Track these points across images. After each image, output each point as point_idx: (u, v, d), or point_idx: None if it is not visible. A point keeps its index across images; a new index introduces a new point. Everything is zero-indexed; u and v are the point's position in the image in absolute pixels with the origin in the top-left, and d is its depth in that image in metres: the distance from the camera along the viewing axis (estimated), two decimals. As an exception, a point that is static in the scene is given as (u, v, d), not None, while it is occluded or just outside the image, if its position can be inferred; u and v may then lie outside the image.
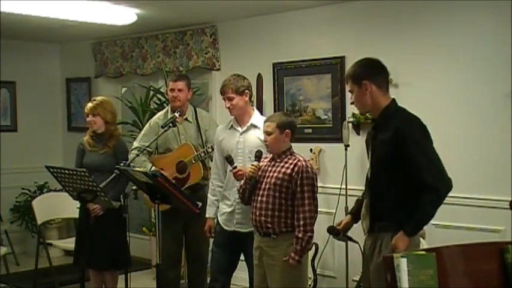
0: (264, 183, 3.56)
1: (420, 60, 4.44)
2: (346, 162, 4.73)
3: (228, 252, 3.92)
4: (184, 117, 4.45)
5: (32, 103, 7.16)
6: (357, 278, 4.34)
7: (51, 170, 3.97)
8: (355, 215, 3.20)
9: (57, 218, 6.22)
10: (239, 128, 3.89)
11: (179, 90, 4.43)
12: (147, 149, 4.43)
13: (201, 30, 5.81)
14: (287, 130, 3.54)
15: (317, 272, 4.82)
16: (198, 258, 4.51)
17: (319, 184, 3.68)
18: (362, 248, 3.15)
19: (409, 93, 4.10)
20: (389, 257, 2.32)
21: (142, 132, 4.65)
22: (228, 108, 3.86)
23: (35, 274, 5.35)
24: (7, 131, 6.97)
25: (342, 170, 4.75)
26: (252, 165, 3.59)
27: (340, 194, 4.80)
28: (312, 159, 4.94)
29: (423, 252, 2.35)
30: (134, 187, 4.46)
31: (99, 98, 4.58)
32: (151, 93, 6.16)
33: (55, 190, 6.29)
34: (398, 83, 4.22)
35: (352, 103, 3.13)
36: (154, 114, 4.95)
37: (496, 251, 2.47)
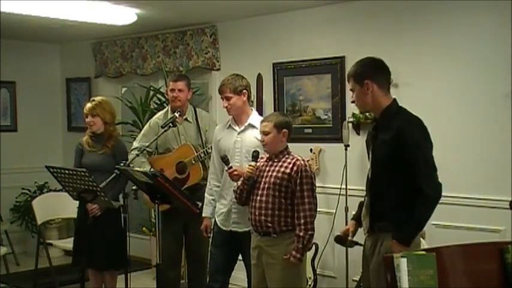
0: (262, 183, 3.56)
1: (420, 60, 4.44)
2: (346, 162, 4.73)
3: (226, 252, 3.92)
4: (184, 117, 4.45)
5: (32, 103, 7.16)
6: (357, 278, 4.34)
7: (51, 170, 3.97)
8: (358, 220, 3.20)
9: (57, 218, 6.22)
10: (237, 128, 3.89)
11: (179, 90, 4.43)
12: (147, 149, 4.43)
13: (201, 30, 5.81)
14: (284, 130, 3.55)
15: (317, 272, 4.82)
16: (198, 258, 4.51)
17: (319, 184, 3.69)
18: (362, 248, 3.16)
19: (409, 93, 4.10)
20: (389, 257, 2.32)
21: (142, 132, 4.65)
22: (226, 107, 3.86)
23: (35, 274, 5.36)
24: (7, 131, 6.97)
25: (342, 170, 4.75)
26: (250, 165, 3.59)
27: (340, 194, 4.80)
28: (312, 159, 4.94)
29: (423, 252, 2.35)
30: (134, 187, 4.45)
31: (98, 99, 4.58)
32: (151, 93, 6.16)
33: (55, 190, 6.29)
34: (399, 83, 4.22)
35: (353, 102, 3.13)
36: (154, 114, 4.94)
37: (496, 251, 2.47)
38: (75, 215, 4.59)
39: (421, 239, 3.17)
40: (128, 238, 3.99)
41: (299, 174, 3.47)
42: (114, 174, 3.87)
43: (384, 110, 3.01)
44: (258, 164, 3.62)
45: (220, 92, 3.87)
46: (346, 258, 4.67)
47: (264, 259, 3.58)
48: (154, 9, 5.23)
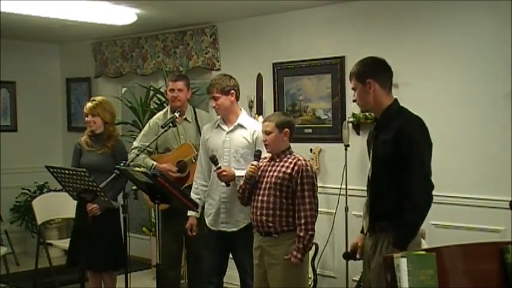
0: (264, 183, 3.56)
1: (420, 60, 4.44)
2: (346, 162, 4.73)
3: (218, 253, 3.94)
4: (184, 117, 4.45)
5: (32, 103, 7.16)
6: (357, 278, 4.34)
7: (51, 170, 3.97)
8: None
9: (57, 218, 6.22)
10: (225, 127, 3.91)
11: (179, 90, 4.43)
12: (147, 149, 4.43)
13: (201, 30, 5.81)
14: (286, 129, 3.56)
15: (317, 272, 4.82)
16: (198, 259, 4.50)
17: (319, 184, 3.68)
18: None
19: (409, 93, 4.10)
20: (389, 257, 2.32)
21: (142, 132, 4.66)
22: (214, 107, 3.87)
23: (35, 274, 5.36)
24: (7, 131, 6.97)
25: (342, 170, 4.75)
26: (252, 164, 3.60)
27: (340, 194, 4.80)
28: (312, 159, 4.94)
29: (423, 252, 2.35)
30: (134, 187, 4.46)
31: (98, 98, 4.58)
32: (151, 93, 6.16)
33: (55, 190, 6.29)
34: (399, 83, 4.20)
35: (354, 101, 3.13)
36: (154, 114, 4.95)
37: (496, 251, 2.47)
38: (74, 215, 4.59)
39: (421, 239, 3.17)
40: (128, 238, 3.99)
41: (300, 174, 3.48)
42: (114, 174, 3.87)
43: (385, 110, 3.01)
44: (261, 163, 3.62)
45: (208, 92, 3.91)
46: (343, 253, 4.66)
47: (265, 259, 3.58)
48: (154, 9, 5.23)
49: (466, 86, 4.25)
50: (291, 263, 3.44)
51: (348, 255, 3.29)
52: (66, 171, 3.93)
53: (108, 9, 5.10)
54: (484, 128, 4.17)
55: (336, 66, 4.93)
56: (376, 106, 3.03)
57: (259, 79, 5.41)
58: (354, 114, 4.74)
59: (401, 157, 2.86)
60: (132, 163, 4.20)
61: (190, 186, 4.34)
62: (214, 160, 3.77)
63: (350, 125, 4.77)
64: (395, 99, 3.04)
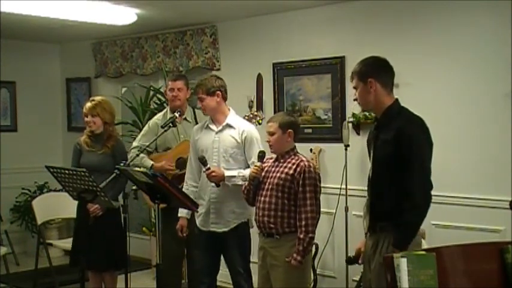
0: (267, 184, 3.57)
1: (420, 60, 4.44)
2: (346, 162, 4.73)
3: (209, 253, 3.95)
4: (184, 117, 4.46)
5: (32, 103, 7.16)
6: (357, 278, 4.34)
7: (51, 170, 3.96)
8: None
9: (57, 218, 6.22)
10: (214, 128, 3.92)
11: (178, 89, 4.44)
12: (147, 148, 4.43)
13: (201, 30, 5.81)
14: (290, 130, 3.55)
15: (317, 272, 4.83)
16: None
17: (320, 185, 3.67)
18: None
19: (409, 93, 4.09)
20: (389, 257, 2.32)
21: (142, 133, 4.66)
22: (200, 108, 3.89)
23: (35, 274, 5.36)
24: (7, 131, 6.97)
25: (342, 170, 4.75)
26: (255, 165, 3.60)
27: (340, 194, 4.80)
28: (312, 159, 4.93)
29: (423, 252, 2.35)
30: (134, 187, 4.45)
31: (97, 98, 4.57)
32: (151, 93, 6.16)
33: (55, 190, 6.29)
34: (399, 83, 4.18)
35: (355, 99, 3.13)
36: (155, 114, 4.96)
37: (496, 251, 2.47)
38: (75, 215, 4.59)
39: (421, 239, 3.17)
40: (128, 238, 4.00)
41: (302, 175, 3.47)
42: (114, 174, 3.87)
43: (386, 110, 3.01)
44: (265, 164, 3.62)
45: (194, 92, 3.94)
46: (346, 257, 4.67)
47: (268, 260, 3.59)
48: (154, 9, 5.23)
49: (466, 86, 4.25)
50: (292, 264, 3.44)
51: (351, 260, 3.28)
52: (66, 171, 3.93)
53: (108, 9, 5.10)
54: (484, 128, 4.17)
55: (336, 66, 4.93)
56: (377, 106, 3.03)
57: (259, 79, 5.41)
58: (354, 114, 4.74)
59: (402, 157, 2.86)
60: (131, 163, 4.20)
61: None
62: (203, 161, 3.78)
63: (350, 125, 4.77)
64: (396, 99, 3.04)
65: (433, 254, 2.32)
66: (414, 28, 4.50)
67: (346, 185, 4.73)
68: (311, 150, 5.01)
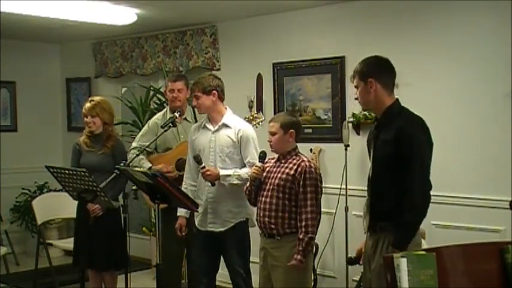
0: (268, 184, 3.57)
1: (420, 60, 4.44)
2: (346, 162, 4.73)
3: (207, 253, 3.95)
4: (184, 117, 4.45)
5: (32, 103, 7.16)
6: (357, 278, 4.34)
7: (51, 170, 3.96)
8: None
9: (57, 218, 6.22)
10: (211, 127, 3.92)
11: (178, 90, 4.44)
12: (147, 149, 4.43)
13: (201, 30, 5.81)
14: (291, 130, 3.55)
15: (317, 272, 4.82)
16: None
17: (321, 185, 3.67)
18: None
19: (409, 93, 4.09)
20: (389, 257, 2.32)
21: (141, 133, 4.65)
22: (195, 106, 3.92)
23: (35, 274, 5.35)
24: (7, 131, 6.97)
25: (342, 170, 4.75)
26: (256, 166, 3.60)
27: (340, 194, 4.80)
28: (312, 159, 4.93)
29: (423, 252, 2.35)
30: (134, 187, 4.46)
31: (96, 99, 4.56)
32: (151, 93, 6.16)
33: (55, 190, 6.29)
34: (399, 83, 4.16)
35: (356, 98, 3.13)
36: (154, 114, 4.95)
37: (496, 251, 2.47)
38: (75, 215, 4.59)
39: (421, 239, 3.17)
40: (128, 238, 3.99)
41: (302, 175, 3.47)
42: (114, 174, 3.86)
43: (386, 110, 3.01)
44: (266, 165, 3.62)
45: (191, 90, 3.94)
46: (346, 258, 4.67)
47: (269, 261, 3.59)
48: (154, 9, 5.23)
49: (466, 86, 4.25)
50: (292, 265, 3.44)
51: (352, 261, 3.28)
52: (66, 171, 3.93)
53: (108, 9, 5.10)
54: (484, 128, 4.17)
55: (336, 66, 4.93)
56: (377, 105, 3.04)
57: (259, 79, 5.41)
58: (354, 114, 4.74)
59: (402, 157, 2.86)
60: (130, 163, 4.20)
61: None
62: (198, 160, 3.79)
63: (350, 125, 4.77)
64: (397, 99, 3.04)
65: (433, 254, 2.32)
66: (414, 28, 4.50)
67: (346, 185, 4.73)
68: (311, 150, 5.01)
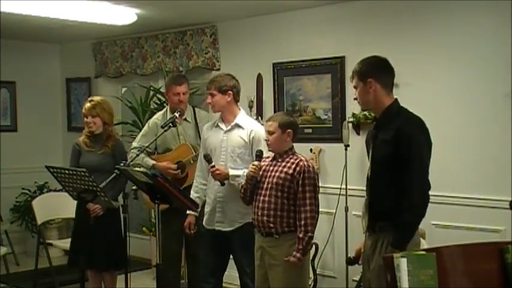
0: (265, 183, 3.56)
1: (420, 60, 4.44)
2: (346, 162, 4.73)
3: (213, 252, 3.94)
4: (184, 117, 4.45)
5: (32, 103, 7.16)
6: (357, 278, 4.34)
7: (51, 170, 3.97)
8: None
9: (57, 218, 6.22)
10: (223, 127, 3.92)
11: (183, 93, 4.43)
12: (147, 149, 4.43)
13: (201, 30, 5.81)
14: (289, 130, 3.55)
15: (317, 272, 4.82)
16: (198, 258, 4.50)
17: (319, 184, 3.68)
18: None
19: (409, 93, 4.10)
20: (389, 257, 2.32)
21: (141, 133, 4.65)
22: (209, 103, 3.90)
23: (35, 274, 5.36)
24: (7, 131, 6.97)
25: (342, 170, 4.75)
26: (253, 164, 3.60)
27: (340, 194, 4.80)
28: (312, 159, 4.93)
29: (423, 252, 2.35)
30: (134, 187, 4.46)
31: (96, 99, 4.56)
32: (151, 93, 6.16)
33: (55, 190, 6.29)
34: (399, 83, 4.18)
35: (355, 99, 3.13)
36: (154, 114, 4.94)
37: (496, 251, 2.47)
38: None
39: (421, 239, 3.17)
40: (128, 238, 3.99)
41: (301, 174, 3.47)
42: (114, 174, 3.86)
43: (385, 110, 3.01)
44: (263, 163, 3.62)
45: (207, 87, 3.93)
46: (346, 258, 4.67)
47: (266, 260, 3.58)
48: (154, 9, 5.23)
49: (466, 86, 4.25)
50: (291, 263, 3.44)
51: (351, 261, 3.28)
52: (66, 171, 3.93)
53: (108, 9, 5.10)
54: (484, 128, 4.17)
55: (336, 66, 4.93)
56: (376, 106, 3.04)
57: (259, 79, 5.41)
58: (354, 114, 4.74)
59: (401, 157, 2.86)
60: (131, 163, 4.20)
61: (188, 187, 4.35)
62: (208, 159, 3.79)
63: (350, 125, 4.77)
64: (396, 99, 3.04)
65: (433, 254, 2.32)
66: (414, 28, 4.50)
67: (346, 185, 4.73)
68: (311, 150, 5.01)
